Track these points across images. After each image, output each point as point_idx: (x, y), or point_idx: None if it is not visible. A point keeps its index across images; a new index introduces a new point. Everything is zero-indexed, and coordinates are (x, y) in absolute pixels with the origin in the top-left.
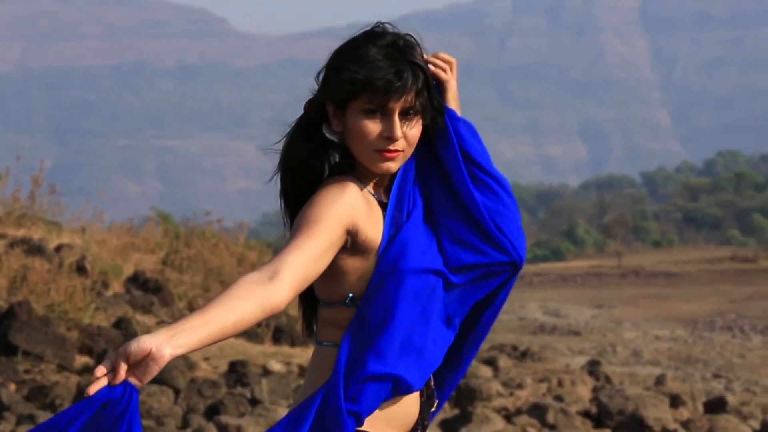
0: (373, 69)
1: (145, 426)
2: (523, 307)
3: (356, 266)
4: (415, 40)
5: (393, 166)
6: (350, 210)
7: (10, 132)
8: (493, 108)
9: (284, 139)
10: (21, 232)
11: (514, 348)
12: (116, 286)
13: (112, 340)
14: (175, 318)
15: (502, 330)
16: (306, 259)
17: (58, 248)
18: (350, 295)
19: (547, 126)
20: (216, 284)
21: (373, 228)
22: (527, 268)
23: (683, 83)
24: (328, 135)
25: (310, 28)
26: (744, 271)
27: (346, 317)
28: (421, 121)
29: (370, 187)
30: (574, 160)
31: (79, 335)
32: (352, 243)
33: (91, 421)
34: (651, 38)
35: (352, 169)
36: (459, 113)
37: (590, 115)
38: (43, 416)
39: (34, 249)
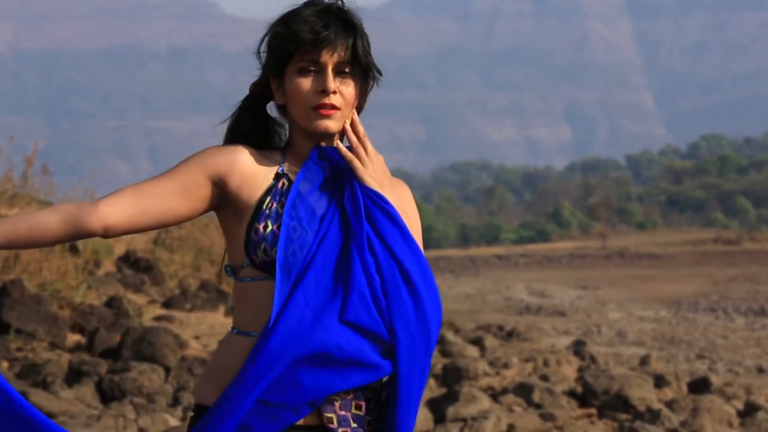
0: (300, 23)
1: (137, 403)
2: (509, 288)
3: (235, 231)
4: (353, 9)
5: (330, 124)
6: (223, 164)
7: (2, 113)
8: (478, 91)
9: (229, 118)
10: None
11: (500, 328)
12: (108, 265)
13: (104, 319)
14: (166, 296)
15: (488, 310)
16: (144, 191)
17: None
18: (229, 264)
19: (532, 109)
20: (206, 263)
21: (252, 195)
22: (513, 249)
23: (667, 67)
24: (271, 114)
25: None
26: (727, 253)
27: (235, 291)
28: (356, 83)
29: (285, 166)
30: (559, 142)
31: (71, 313)
32: (227, 201)
33: None
34: (635, 23)
35: (285, 147)
36: (385, 187)
37: (575, 99)
38: (35, 393)
39: None
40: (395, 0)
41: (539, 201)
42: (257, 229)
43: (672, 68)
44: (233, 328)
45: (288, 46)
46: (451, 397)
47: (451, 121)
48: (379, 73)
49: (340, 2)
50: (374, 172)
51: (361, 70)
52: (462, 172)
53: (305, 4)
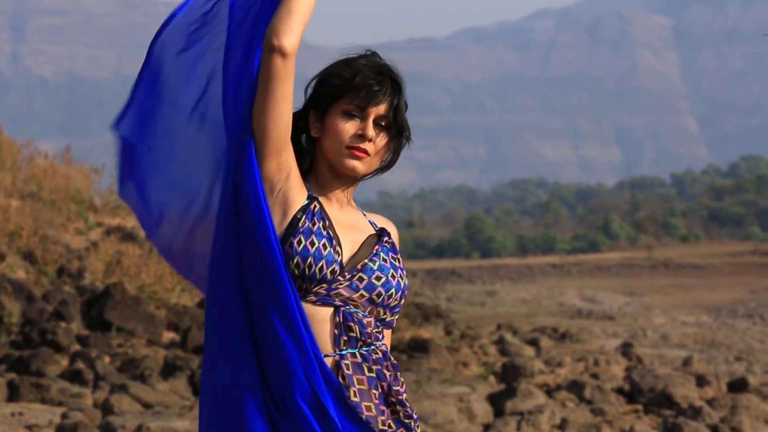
0: (358, 70)
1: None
2: (562, 294)
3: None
4: (395, 67)
5: (359, 165)
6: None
7: (106, 131)
8: (536, 114)
9: None
10: (116, 221)
11: (555, 330)
12: None
13: (196, 318)
14: None
15: (544, 314)
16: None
17: None
18: None
19: (584, 131)
20: None
21: (294, 198)
22: (567, 259)
23: (709, 93)
24: (304, 145)
25: (373, 42)
26: (764, 264)
27: None
28: (388, 138)
29: (312, 189)
30: (609, 162)
31: (167, 313)
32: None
33: None
34: (680, 53)
35: (307, 174)
36: None
37: (624, 122)
38: (134, 386)
39: (128, 236)
40: (461, 31)
41: (591, 215)
42: (291, 243)
43: (714, 95)
44: None
45: (344, 88)
46: (510, 392)
47: (511, 142)
48: (410, 134)
49: (388, 62)
50: None
51: (396, 128)
52: (520, 188)
53: (366, 55)
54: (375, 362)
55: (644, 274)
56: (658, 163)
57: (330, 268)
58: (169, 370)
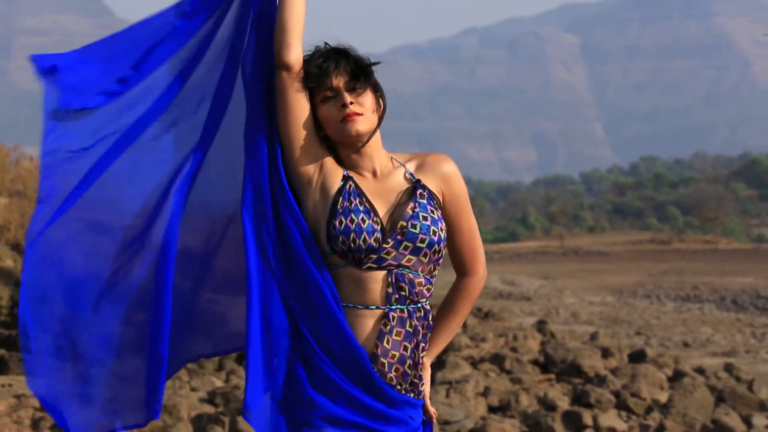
0: (309, 65)
1: (189, 368)
2: (486, 279)
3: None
4: (337, 42)
5: (357, 126)
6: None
7: None
8: (463, 121)
9: None
10: None
11: (479, 310)
12: None
13: None
14: None
15: None
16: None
17: None
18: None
19: (506, 136)
20: None
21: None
22: (489, 247)
23: (614, 102)
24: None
25: None
26: (660, 251)
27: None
28: (371, 93)
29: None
30: (527, 162)
31: None
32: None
33: None
34: (588, 67)
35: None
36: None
37: (540, 128)
38: None
39: None
40: (398, 47)
41: (510, 209)
42: (334, 225)
43: (617, 104)
44: None
45: (309, 85)
46: (440, 364)
47: (441, 145)
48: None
49: (335, 43)
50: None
51: (369, 82)
52: None
53: (312, 52)
54: (417, 319)
55: (557, 261)
56: (569, 164)
57: (373, 237)
58: None
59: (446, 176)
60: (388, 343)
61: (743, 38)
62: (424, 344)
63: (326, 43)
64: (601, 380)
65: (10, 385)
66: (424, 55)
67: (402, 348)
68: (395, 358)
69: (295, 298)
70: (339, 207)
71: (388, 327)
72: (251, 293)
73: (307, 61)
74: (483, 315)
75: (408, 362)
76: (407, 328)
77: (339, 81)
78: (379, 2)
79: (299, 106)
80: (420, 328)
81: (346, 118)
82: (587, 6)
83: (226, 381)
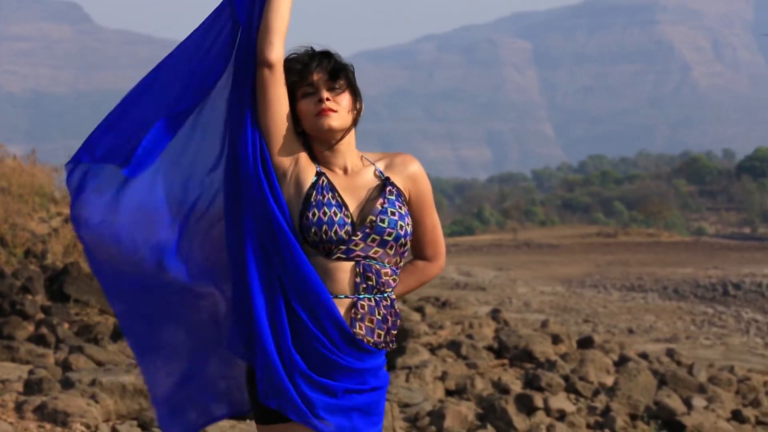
0: (293, 62)
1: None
2: (443, 269)
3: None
4: (324, 47)
5: (330, 121)
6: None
7: (66, 138)
8: (421, 122)
9: None
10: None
11: (437, 299)
12: None
13: None
14: None
15: (428, 286)
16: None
17: None
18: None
19: (462, 136)
20: None
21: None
22: (447, 240)
23: (563, 105)
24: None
25: None
26: (606, 243)
27: None
28: (349, 95)
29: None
30: (482, 161)
31: None
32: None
33: None
34: (539, 71)
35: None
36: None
37: (494, 128)
38: (89, 347)
39: None
40: (360, 53)
41: (466, 204)
42: (307, 217)
43: (567, 106)
44: None
45: (291, 79)
46: (400, 351)
47: (401, 145)
48: (353, 71)
49: (322, 47)
50: None
51: (348, 83)
52: None
53: (299, 52)
54: (384, 308)
55: (510, 253)
56: (522, 162)
57: (343, 230)
58: (117, 334)
59: (413, 176)
60: (361, 329)
61: (683, 45)
62: (394, 331)
63: (311, 47)
64: (551, 365)
65: None
66: (384, 60)
67: (376, 336)
68: (371, 343)
69: (288, 279)
70: (312, 200)
71: (359, 315)
72: (251, 282)
73: (292, 59)
74: (441, 304)
75: (381, 345)
76: (377, 316)
77: (319, 78)
78: (343, 10)
79: (278, 103)
80: (389, 317)
81: (321, 113)
82: (538, 14)
83: None
